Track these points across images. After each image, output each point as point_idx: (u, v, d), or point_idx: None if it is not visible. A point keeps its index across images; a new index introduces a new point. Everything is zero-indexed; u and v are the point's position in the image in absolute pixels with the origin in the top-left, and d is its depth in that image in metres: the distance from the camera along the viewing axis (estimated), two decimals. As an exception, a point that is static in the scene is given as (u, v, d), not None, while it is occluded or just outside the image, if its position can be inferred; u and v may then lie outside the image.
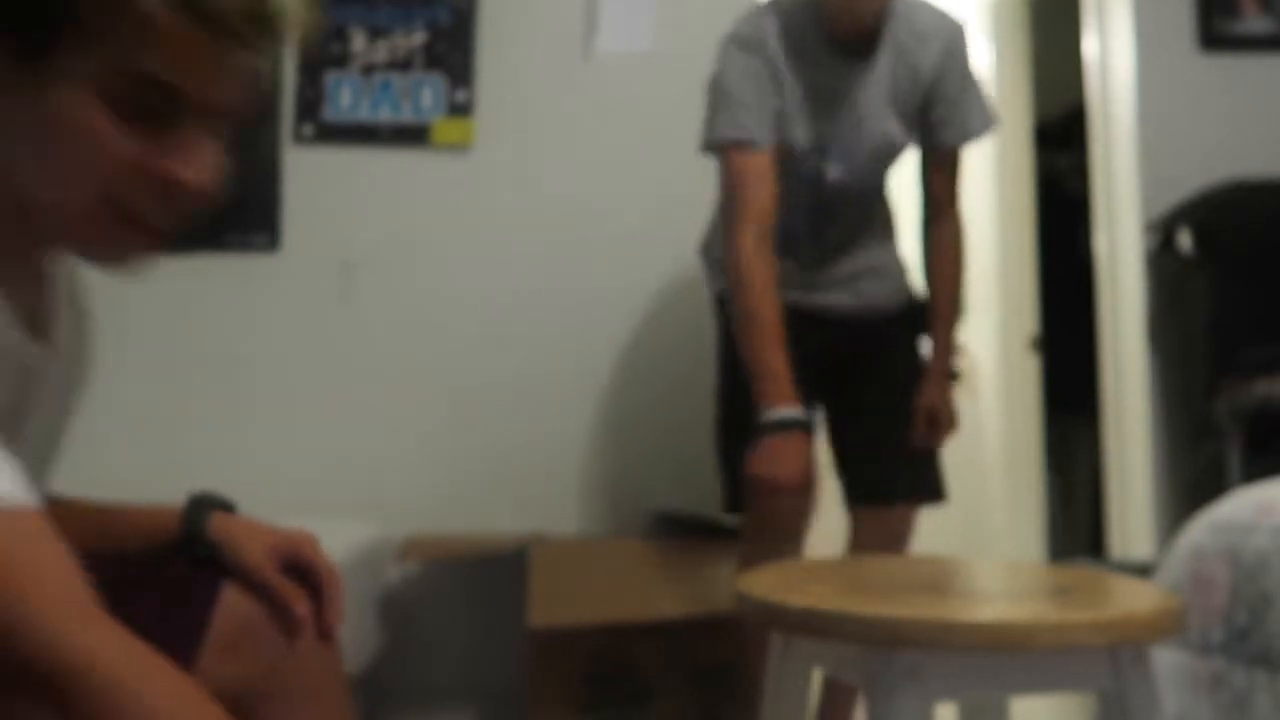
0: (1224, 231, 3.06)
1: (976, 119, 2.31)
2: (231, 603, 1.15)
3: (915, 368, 2.39)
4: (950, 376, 2.37)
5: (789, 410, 1.99)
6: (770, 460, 1.96)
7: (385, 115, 3.02)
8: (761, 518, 2.20)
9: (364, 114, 3.02)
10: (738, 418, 2.22)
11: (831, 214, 2.29)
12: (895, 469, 2.34)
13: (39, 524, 0.84)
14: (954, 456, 3.84)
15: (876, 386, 2.36)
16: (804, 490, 1.97)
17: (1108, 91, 3.39)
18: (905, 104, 2.24)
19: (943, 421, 2.34)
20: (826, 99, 2.19)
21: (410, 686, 2.84)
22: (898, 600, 1.29)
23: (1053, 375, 4.12)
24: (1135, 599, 1.32)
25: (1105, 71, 3.40)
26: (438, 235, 3.04)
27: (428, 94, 3.03)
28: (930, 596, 1.47)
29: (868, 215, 2.35)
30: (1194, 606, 1.73)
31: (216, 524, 1.19)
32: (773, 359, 2.01)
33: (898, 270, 2.42)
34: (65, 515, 1.18)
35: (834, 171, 2.24)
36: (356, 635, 2.49)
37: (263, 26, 0.93)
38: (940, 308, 2.35)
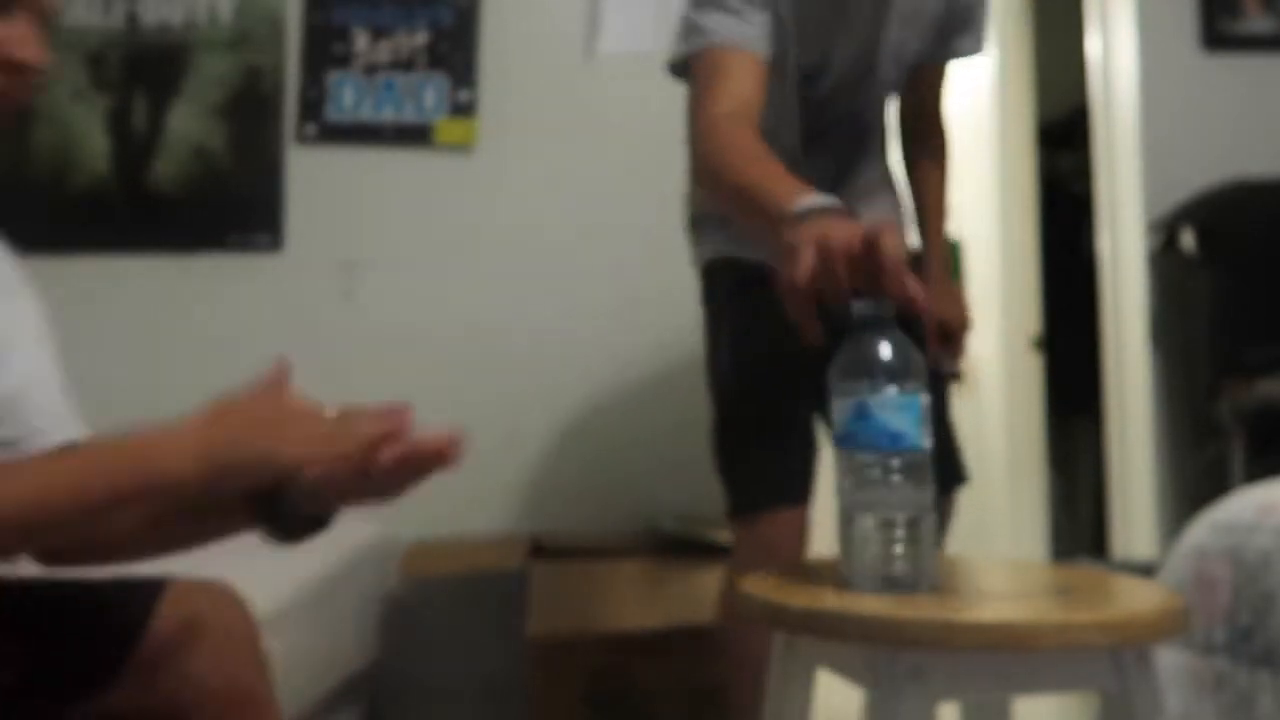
0: (1227, 231, 3.06)
1: (981, 35, 2.11)
2: (166, 615, 1.15)
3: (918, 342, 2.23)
4: (949, 278, 2.15)
5: (811, 199, 1.40)
6: (820, 232, 1.29)
7: (388, 115, 3.03)
8: (756, 539, 1.94)
9: (367, 114, 3.03)
10: (736, 417, 2.00)
11: (819, 137, 1.98)
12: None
13: None
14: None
15: None
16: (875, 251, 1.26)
17: (1110, 91, 3.39)
18: (929, 15, 1.98)
19: (956, 329, 2.11)
20: (832, 5, 1.88)
21: (412, 688, 2.84)
22: (900, 600, 1.28)
23: (1055, 375, 4.12)
24: (1138, 599, 1.32)
25: (1108, 71, 3.39)
26: (440, 235, 3.04)
27: (430, 94, 3.03)
28: (932, 596, 1.47)
29: (862, 143, 2.05)
30: (1197, 607, 1.73)
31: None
32: (769, 170, 1.54)
33: (897, 209, 2.13)
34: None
35: (823, 87, 1.93)
36: (359, 637, 2.50)
37: None
38: (931, 209, 2.17)
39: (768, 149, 1.60)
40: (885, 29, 1.92)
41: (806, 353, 1.49)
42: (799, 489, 1.97)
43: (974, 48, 2.10)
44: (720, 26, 1.78)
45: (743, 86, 1.72)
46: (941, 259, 2.16)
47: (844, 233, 1.27)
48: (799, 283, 1.27)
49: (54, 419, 1.28)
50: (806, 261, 1.27)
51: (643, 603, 2.46)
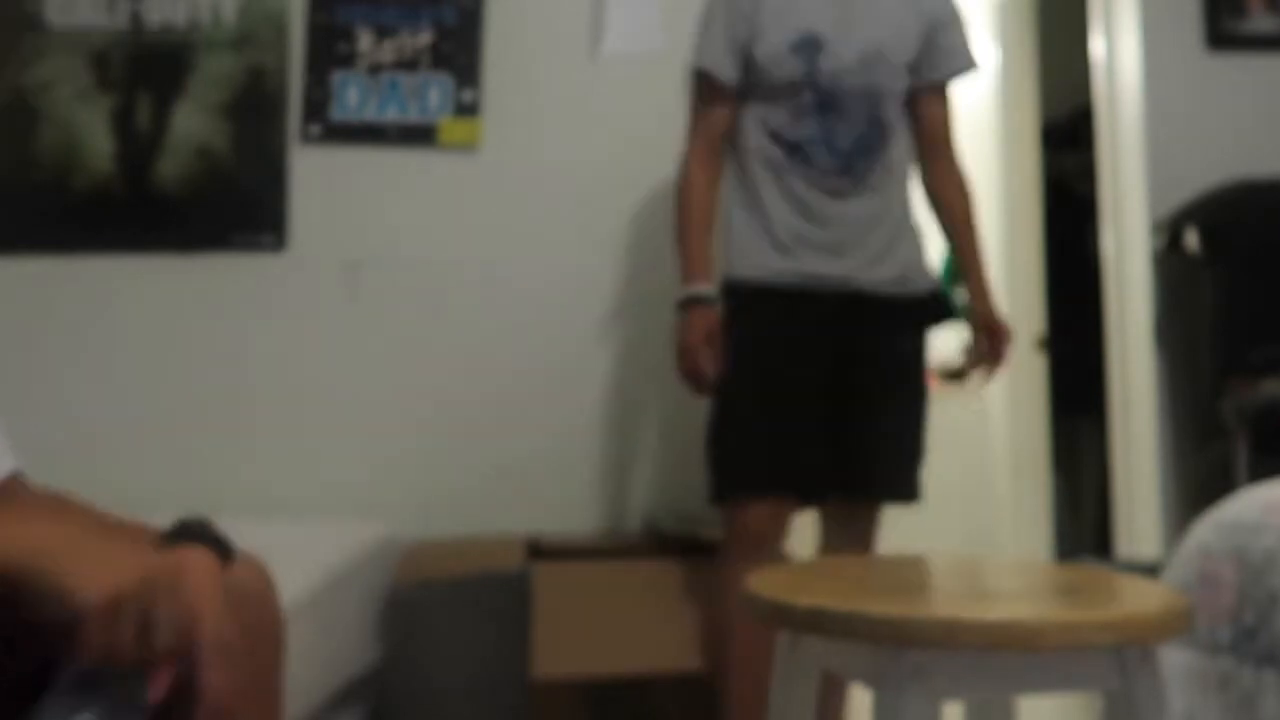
0: (1231, 231, 3.06)
1: (969, 53, 2.37)
2: None
3: (919, 370, 2.37)
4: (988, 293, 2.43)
5: (695, 287, 2.27)
6: (678, 332, 2.26)
7: (392, 115, 3.03)
8: (742, 525, 2.24)
9: (371, 114, 3.03)
10: (730, 412, 2.30)
11: (836, 110, 2.27)
12: (882, 466, 2.32)
13: None
14: (961, 456, 3.84)
15: (877, 380, 2.31)
16: (709, 347, 2.23)
17: (1115, 91, 3.38)
18: (901, 26, 2.30)
19: (1001, 332, 2.40)
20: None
21: (412, 689, 2.84)
22: (905, 599, 1.29)
23: (1060, 375, 4.11)
24: (1142, 599, 1.31)
25: (1112, 71, 3.39)
26: (444, 235, 3.04)
27: (434, 94, 3.03)
28: (937, 596, 1.47)
29: (877, 121, 2.29)
30: (1201, 606, 1.73)
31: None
32: (694, 242, 2.29)
33: (918, 238, 2.39)
34: (56, 511, 1.17)
35: (827, 63, 2.24)
36: (360, 638, 2.50)
37: None
38: (959, 226, 2.41)
39: (709, 210, 2.33)
40: (862, 18, 2.27)
41: (804, 368, 2.22)
42: (785, 484, 2.24)
43: (969, 62, 2.36)
44: (702, 54, 2.34)
45: (714, 115, 2.34)
46: (980, 269, 2.43)
47: (690, 336, 2.26)
48: (687, 364, 2.27)
49: None
50: (692, 359, 2.26)
51: (646, 629, 2.49)
